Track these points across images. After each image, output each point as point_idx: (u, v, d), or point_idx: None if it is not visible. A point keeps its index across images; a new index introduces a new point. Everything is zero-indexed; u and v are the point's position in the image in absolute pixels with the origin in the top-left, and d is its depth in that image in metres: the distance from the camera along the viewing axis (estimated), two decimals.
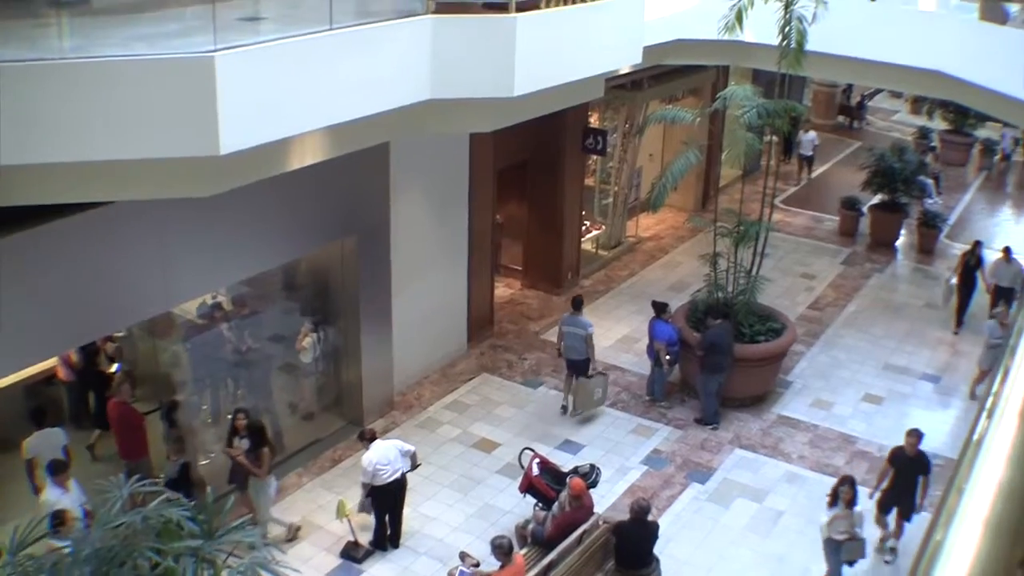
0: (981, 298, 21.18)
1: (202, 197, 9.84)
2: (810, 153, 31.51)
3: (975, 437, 1.14)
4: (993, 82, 16.78)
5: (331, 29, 10.23)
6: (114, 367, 15.39)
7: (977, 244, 21.67)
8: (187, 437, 14.03)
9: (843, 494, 12.92)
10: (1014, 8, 18.26)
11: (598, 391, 17.31)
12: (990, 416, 1.06)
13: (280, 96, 9.66)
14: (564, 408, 17.59)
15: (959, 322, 21.19)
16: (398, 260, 16.38)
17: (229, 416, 14.24)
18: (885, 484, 13.85)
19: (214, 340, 15.26)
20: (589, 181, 23.71)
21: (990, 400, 1.09)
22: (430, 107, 11.51)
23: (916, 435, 13.74)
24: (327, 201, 14.54)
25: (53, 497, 11.20)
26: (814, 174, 32.05)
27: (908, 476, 13.65)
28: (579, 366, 17.14)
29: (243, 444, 13.30)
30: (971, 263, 21.15)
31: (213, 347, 15.30)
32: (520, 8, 11.78)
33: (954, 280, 21.23)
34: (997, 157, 35.42)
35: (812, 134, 31.35)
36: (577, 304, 17.56)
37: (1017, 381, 1.13)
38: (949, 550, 0.98)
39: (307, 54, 9.97)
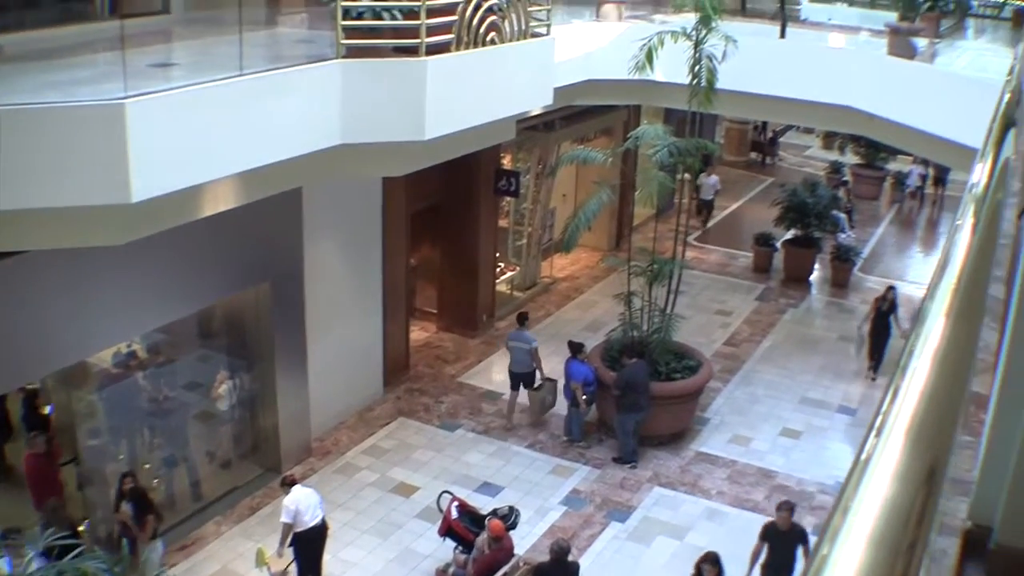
0: (897, 343, 20.83)
1: (115, 245, 9.96)
2: (710, 197, 31.01)
3: (862, 456, 1.16)
4: (902, 116, 17.26)
5: (241, 75, 10.41)
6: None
7: (890, 289, 21.56)
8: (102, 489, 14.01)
9: (707, 573, 12.64)
10: (922, 43, 18.77)
11: (547, 397, 18.39)
12: (878, 435, 1.22)
13: (191, 143, 9.79)
14: (507, 420, 18.58)
15: (875, 368, 21.09)
16: (312, 305, 16.50)
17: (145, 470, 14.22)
18: (762, 559, 13.48)
19: (130, 389, 15.23)
20: (503, 222, 23.89)
21: (878, 419, 1.24)
22: (342, 152, 11.68)
23: (788, 508, 13.47)
24: (240, 247, 14.65)
25: None
26: (712, 221, 31.55)
27: (785, 550, 13.35)
28: (525, 378, 18.25)
29: (129, 508, 13.28)
30: (884, 308, 20.90)
31: (129, 396, 15.27)
32: (430, 51, 12.02)
33: (866, 327, 21.15)
34: (907, 191, 35.98)
35: (714, 178, 30.86)
36: (521, 319, 18.82)
37: (905, 400, 1.32)
38: (833, 565, 0.99)
39: (218, 100, 10.08)
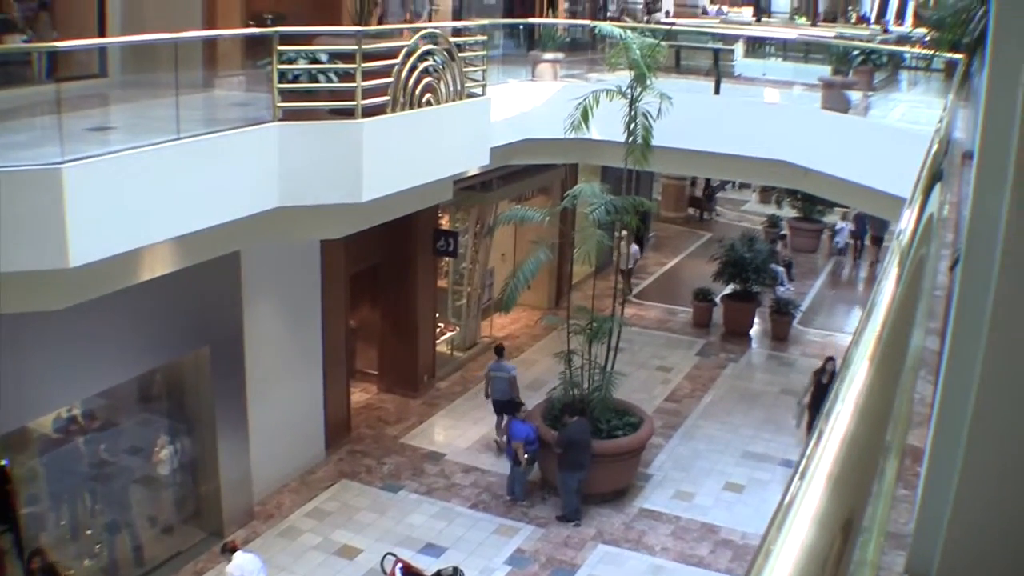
0: None
1: (54, 310, 9.91)
2: (630, 267, 28.80)
3: (785, 500, 1.16)
4: (837, 169, 17.47)
5: (178, 138, 10.44)
6: None
7: (829, 360, 20.83)
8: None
9: None
10: (856, 96, 19.04)
11: None
12: (801, 478, 1.21)
13: (129, 207, 9.78)
14: (497, 443, 19.43)
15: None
16: (253, 368, 16.44)
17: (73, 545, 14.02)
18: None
19: (70, 454, 15.07)
20: (442, 283, 23.96)
21: (802, 462, 1.23)
22: (279, 215, 11.73)
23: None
24: (179, 312, 14.61)
25: None
26: (635, 290, 30.55)
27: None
28: (506, 406, 18.88)
29: None
30: (824, 381, 19.92)
31: (69, 461, 15.11)
32: (367, 113, 12.14)
33: (806, 400, 20.47)
34: (837, 248, 36.14)
35: (634, 247, 29.35)
36: (499, 351, 19.80)
37: (827, 445, 1.32)
38: None
39: (155, 164, 10.10)
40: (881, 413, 1.49)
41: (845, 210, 36.43)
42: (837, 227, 35.98)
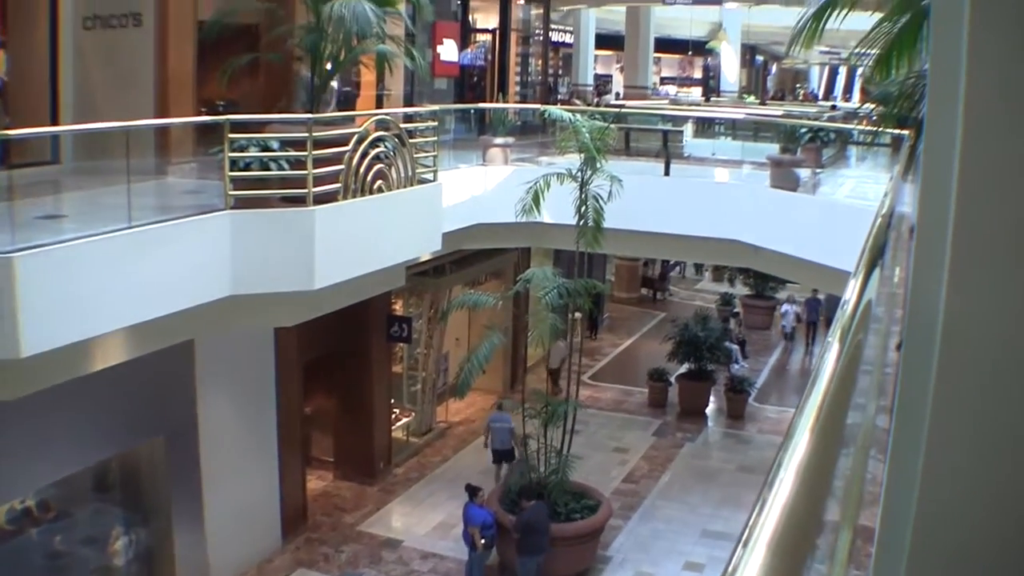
0: None
1: (5, 401, 9.84)
2: (556, 367, 25.10)
3: (729, 568, 1.17)
4: (787, 247, 17.66)
5: (131, 227, 10.44)
6: None
7: None
8: None
9: None
10: (804, 173, 19.23)
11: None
12: (744, 546, 1.22)
13: (82, 296, 9.75)
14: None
15: None
16: (207, 457, 16.32)
17: None
18: None
19: (24, 546, 14.85)
20: (396, 368, 23.93)
21: (745, 531, 1.23)
22: (232, 303, 11.72)
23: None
24: (133, 401, 14.51)
25: None
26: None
27: None
28: (506, 454, 19.69)
29: None
30: None
31: (24, 553, 14.89)
32: (318, 200, 12.20)
33: None
34: (785, 332, 35.47)
35: (561, 345, 25.34)
36: (500, 405, 20.50)
37: (769, 513, 1.34)
38: None
39: (108, 253, 10.08)
40: (820, 483, 1.53)
41: (791, 291, 36.59)
42: (782, 310, 35.56)
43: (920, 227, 2.48)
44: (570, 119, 17.82)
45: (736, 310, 36.87)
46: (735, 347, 29.14)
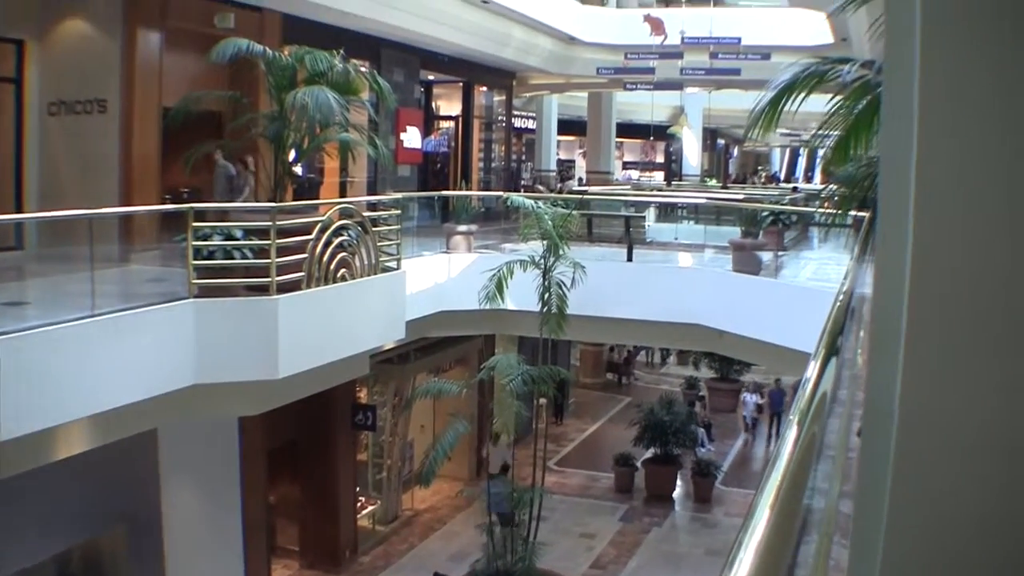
0: None
1: None
2: (495, 472, 23.78)
3: None
4: (750, 330, 17.69)
5: (93, 315, 10.43)
6: None
7: None
8: None
9: None
10: (767, 256, 19.32)
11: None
12: None
13: (43, 384, 9.69)
14: None
15: None
16: (171, 546, 16.12)
17: None
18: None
19: None
20: (362, 456, 23.81)
21: None
22: (196, 391, 11.68)
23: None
24: (96, 490, 14.36)
25: None
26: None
27: None
28: (506, 517, 18.65)
29: None
30: None
31: None
32: (282, 289, 12.22)
33: None
34: (747, 422, 34.48)
35: (503, 447, 23.94)
36: (504, 469, 19.85)
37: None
38: None
39: (71, 341, 10.05)
40: (781, 564, 1.58)
41: (756, 376, 36.57)
42: (743, 399, 34.93)
43: (875, 311, 2.54)
44: (532, 206, 17.95)
45: (701, 393, 36.83)
46: (701, 430, 29.10)
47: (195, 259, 11.81)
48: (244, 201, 14.54)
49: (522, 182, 36.52)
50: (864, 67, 8.00)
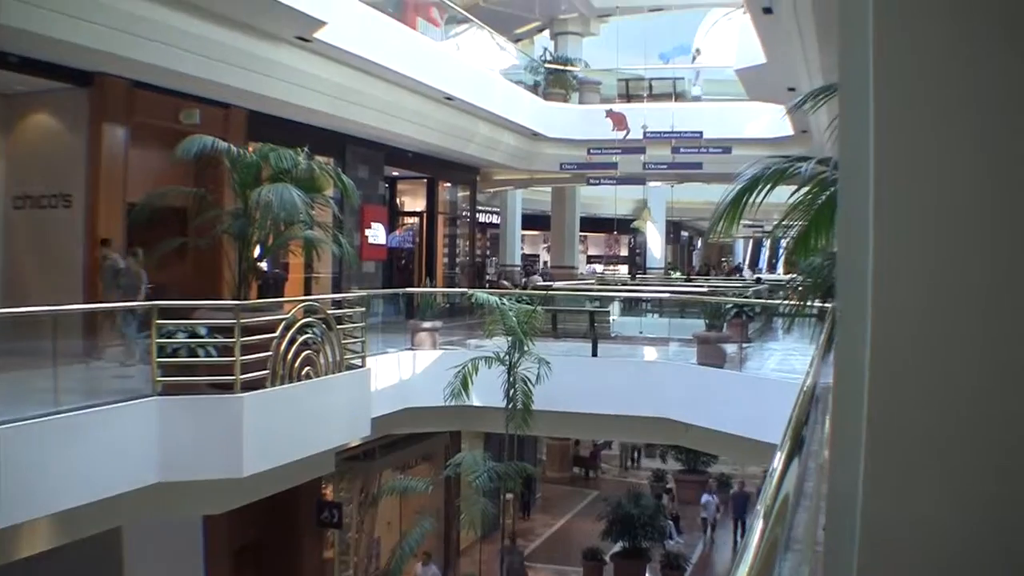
0: None
1: None
2: None
3: None
4: (716, 423, 17.71)
5: (57, 412, 10.37)
6: None
7: None
8: None
9: None
10: (731, 349, 19.40)
11: None
12: None
13: (6, 481, 9.57)
14: None
15: None
16: None
17: None
18: None
19: None
20: (328, 553, 23.55)
21: None
22: (160, 489, 11.59)
23: None
24: None
25: None
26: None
27: None
28: None
29: None
30: None
31: None
32: (246, 386, 12.19)
33: None
34: (708, 523, 33.17)
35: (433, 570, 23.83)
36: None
37: None
38: None
39: (33, 438, 10.00)
40: None
41: (720, 471, 36.48)
42: (703, 500, 33.56)
43: (835, 407, 2.57)
44: (496, 303, 18.01)
45: (669, 486, 36.72)
46: (669, 523, 28.99)
47: (159, 356, 11.80)
48: (134, 295, 14.46)
49: (487, 277, 36.62)
50: (822, 163, 8.14)
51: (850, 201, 2.11)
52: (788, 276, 21.15)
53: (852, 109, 2.04)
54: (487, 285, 32.84)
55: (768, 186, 8.43)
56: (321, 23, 17.17)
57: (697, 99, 40.50)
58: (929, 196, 1.80)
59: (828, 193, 8.06)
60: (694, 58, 39.16)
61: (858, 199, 1.91)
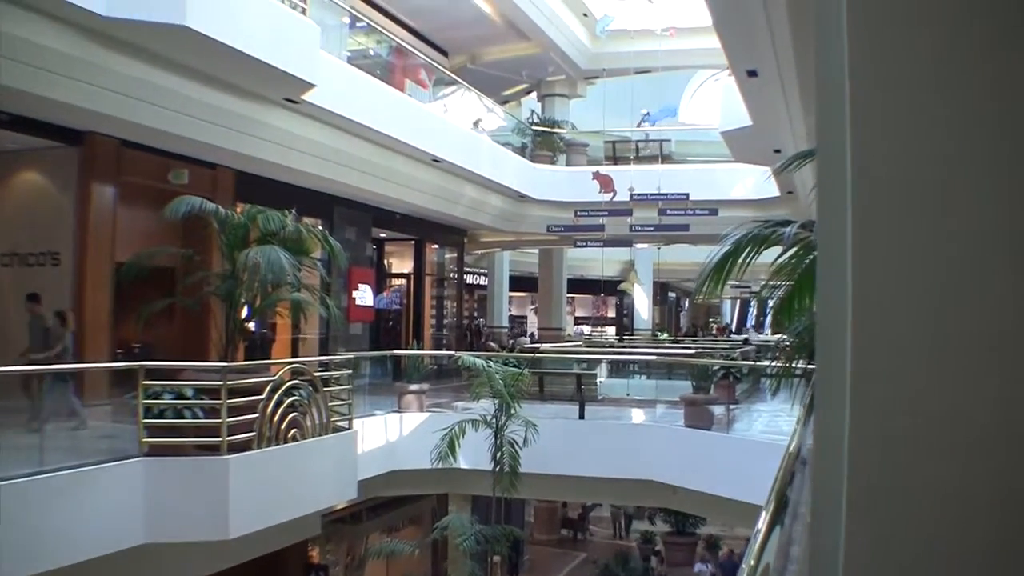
0: None
1: None
2: None
3: None
4: (703, 485, 17.66)
5: (42, 472, 10.37)
6: None
7: None
8: None
9: None
10: (718, 410, 19.37)
11: None
12: None
13: None
14: None
15: None
16: None
17: None
18: None
19: None
20: None
21: None
22: (145, 551, 11.57)
23: None
24: None
25: None
26: None
27: None
28: None
29: None
30: None
31: None
32: (233, 448, 12.19)
33: None
34: None
35: None
36: None
37: None
38: None
39: (18, 498, 10.00)
40: None
41: (709, 532, 36.24)
42: (695, 570, 33.36)
43: (814, 474, 2.60)
44: (483, 367, 18.01)
45: (657, 548, 36.53)
46: None
47: (146, 417, 11.82)
48: (59, 355, 14.42)
49: (481, 341, 36.58)
50: (804, 227, 8.22)
51: (828, 266, 2.16)
52: (775, 336, 21.19)
53: (828, 175, 2.09)
54: (475, 345, 32.89)
55: (752, 251, 8.50)
56: (310, 85, 17.28)
57: (684, 160, 40.53)
58: (907, 260, 1.84)
59: (812, 256, 8.13)
60: (642, 121, 39.27)
61: (835, 265, 1.95)
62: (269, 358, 20.38)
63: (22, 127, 15.42)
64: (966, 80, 1.84)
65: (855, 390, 1.84)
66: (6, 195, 17.30)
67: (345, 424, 15.15)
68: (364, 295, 25.94)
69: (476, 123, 28.80)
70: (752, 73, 15.90)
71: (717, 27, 14.46)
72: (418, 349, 25.59)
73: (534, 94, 40.06)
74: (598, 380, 25.01)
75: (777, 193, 28.11)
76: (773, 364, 13.06)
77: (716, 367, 21.58)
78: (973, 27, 1.84)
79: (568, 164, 36.89)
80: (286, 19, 16.36)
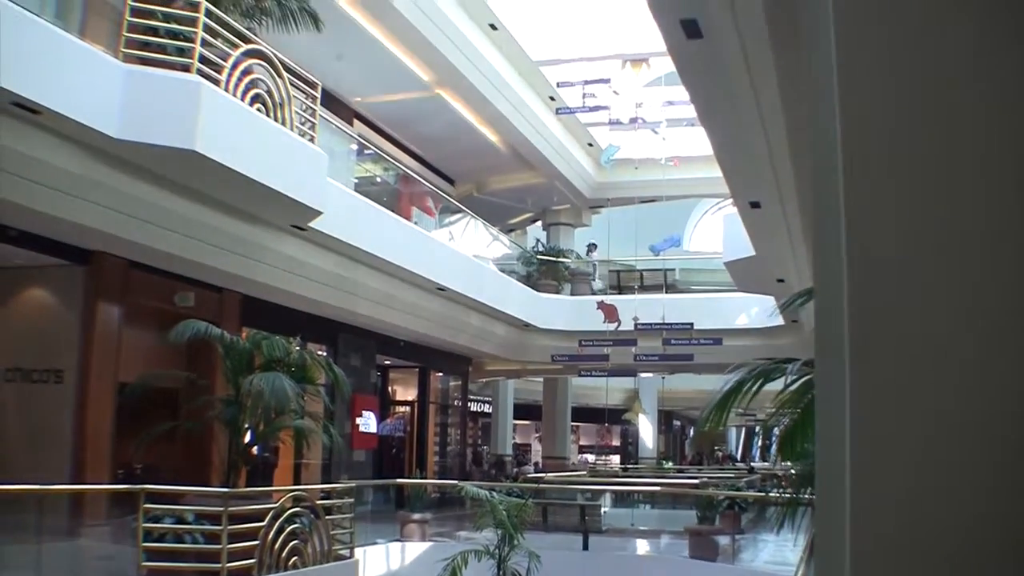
0: None
1: None
2: None
3: None
4: None
5: None
6: None
7: None
8: None
9: None
10: (724, 540, 19.22)
11: None
12: None
13: None
14: None
15: None
16: None
17: None
18: None
19: None
20: None
21: None
22: None
23: None
24: None
25: None
26: None
27: None
28: None
29: None
30: None
31: None
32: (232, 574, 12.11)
33: None
34: None
35: None
36: None
37: None
38: None
39: None
40: None
41: None
42: None
43: None
44: (487, 497, 17.90)
45: None
46: None
47: (146, 540, 11.75)
48: None
49: (483, 469, 36.37)
50: (807, 364, 8.27)
51: (826, 404, 2.19)
52: (779, 464, 21.11)
53: (826, 311, 2.14)
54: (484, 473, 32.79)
55: (754, 387, 8.55)
56: (318, 212, 17.43)
57: (688, 289, 40.58)
58: (906, 409, 1.88)
59: (812, 394, 8.17)
60: (588, 251, 39.19)
61: (834, 404, 1.99)
62: (271, 483, 20.30)
63: (30, 244, 15.52)
64: (960, 228, 1.89)
65: (854, 523, 1.87)
66: (12, 311, 17.36)
67: (347, 552, 15.05)
68: (368, 422, 25.88)
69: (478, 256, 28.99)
70: (755, 204, 16.01)
71: (719, 157, 14.60)
72: (421, 477, 25.50)
73: (539, 223, 40.31)
74: (602, 510, 24.83)
75: (782, 322, 28.16)
76: (779, 494, 13.03)
77: (721, 497, 21.46)
78: (967, 176, 1.90)
79: (573, 293, 36.99)
80: (295, 146, 16.55)
